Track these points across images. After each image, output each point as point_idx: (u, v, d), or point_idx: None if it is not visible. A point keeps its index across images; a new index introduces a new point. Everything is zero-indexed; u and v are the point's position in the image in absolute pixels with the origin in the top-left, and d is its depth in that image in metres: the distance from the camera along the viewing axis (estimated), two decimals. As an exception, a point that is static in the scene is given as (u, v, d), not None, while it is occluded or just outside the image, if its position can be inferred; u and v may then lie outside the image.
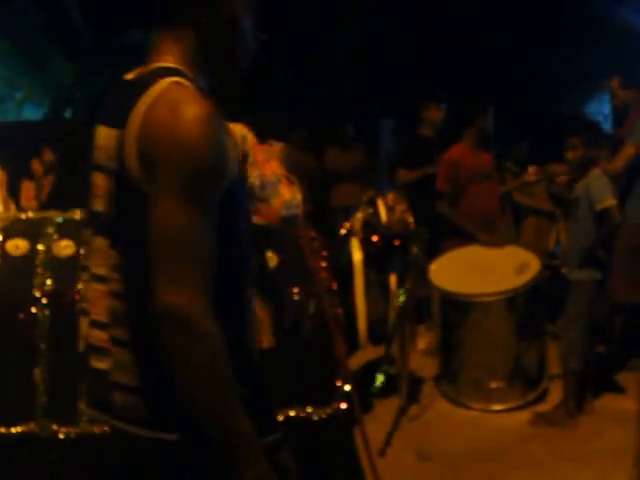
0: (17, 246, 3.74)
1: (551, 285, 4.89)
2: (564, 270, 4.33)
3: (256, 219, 2.54)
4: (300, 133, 7.39)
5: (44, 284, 3.63)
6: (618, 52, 10.01)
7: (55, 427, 3.51)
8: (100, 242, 1.65)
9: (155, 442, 1.57)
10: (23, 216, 3.93)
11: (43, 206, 7.99)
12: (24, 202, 8.37)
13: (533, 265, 4.40)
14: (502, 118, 5.33)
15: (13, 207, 7.76)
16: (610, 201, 4.08)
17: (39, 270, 3.67)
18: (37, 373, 3.53)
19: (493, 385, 4.48)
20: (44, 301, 3.59)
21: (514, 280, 4.29)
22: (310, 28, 10.75)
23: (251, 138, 2.57)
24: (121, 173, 1.54)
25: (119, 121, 1.54)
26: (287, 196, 2.56)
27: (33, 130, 10.64)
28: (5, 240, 3.75)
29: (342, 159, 6.83)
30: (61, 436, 3.51)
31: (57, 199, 8.24)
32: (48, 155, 8.63)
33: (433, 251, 5.01)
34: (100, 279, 1.65)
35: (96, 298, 1.66)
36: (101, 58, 12.64)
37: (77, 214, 4.01)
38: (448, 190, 5.00)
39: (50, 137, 9.76)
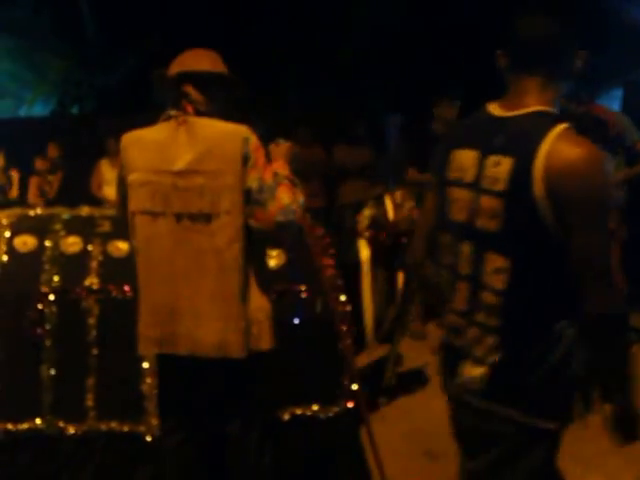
0: (25, 242, 3.74)
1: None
2: None
3: (251, 222, 2.50)
4: (305, 130, 7.39)
5: (51, 280, 3.63)
6: (626, 47, 9.98)
7: (62, 424, 3.51)
8: (467, 248, 2.09)
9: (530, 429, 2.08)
10: (31, 212, 3.91)
11: (51, 203, 8.00)
12: (31, 199, 8.38)
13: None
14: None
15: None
16: None
17: (46, 266, 3.67)
18: (43, 370, 3.53)
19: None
20: (51, 297, 3.59)
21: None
22: (319, 23, 10.72)
23: (254, 140, 2.52)
24: (514, 194, 1.92)
25: (514, 151, 1.93)
26: (285, 200, 2.49)
27: (41, 127, 10.65)
28: (13, 236, 3.74)
29: (350, 156, 6.81)
30: (67, 433, 3.50)
31: (65, 195, 8.27)
32: (53, 152, 8.64)
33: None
34: (466, 278, 2.10)
35: (459, 291, 2.12)
36: (106, 55, 12.66)
37: (84, 210, 4.01)
38: None
39: (57, 133, 9.81)
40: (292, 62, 10.97)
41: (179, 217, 2.49)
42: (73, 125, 10.73)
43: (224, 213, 2.46)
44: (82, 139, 9.96)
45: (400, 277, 4.29)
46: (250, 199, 2.48)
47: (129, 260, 3.75)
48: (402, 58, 10.01)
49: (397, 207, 4.15)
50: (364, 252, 4.17)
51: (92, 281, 3.64)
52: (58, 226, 3.84)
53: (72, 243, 3.79)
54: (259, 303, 2.59)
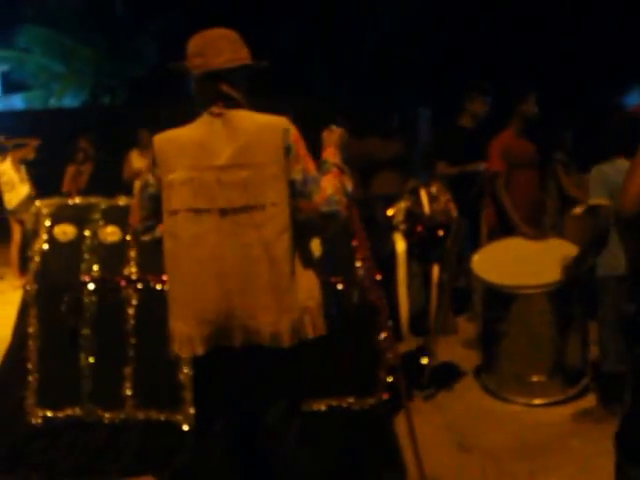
0: (64, 232, 3.78)
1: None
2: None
3: (297, 214, 2.48)
4: (341, 121, 7.34)
5: (90, 270, 3.67)
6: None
7: (100, 412, 3.55)
8: None
9: None
10: (69, 202, 3.95)
11: (82, 192, 8.08)
12: (66, 187, 8.48)
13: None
14: (544, 106, 5.25)
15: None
16: (597, 200, 3.81)
17: (86, 256, 3.71)
18: (82, 358, 3.57)
19: (535, 379, 4.42)
20: (90, 287, 3.63)
21: (558, 273, 4.23)
22: (349, 14, 10.70)
23: (294, 131, 2.46)
24: None
25: None
26: (329, 190, 2.47)
27: (73, 117, 10.75)
28: (53, 225, 3.79)
29: (382, 148, 6.78)
30: (105, 421, 3.55)
31: (96, 185, 8.35)
32: (84, 143, 8.73)
33: (473, 242, 4.94)
34: None
35: None
36: (139, 47, 12.71)
37: (122, 200, 4.05)
38: (503, 170, 4.96)
39: (88, 125, 9.89)
40: (321, 52, 10.95)
41: (224, 212, 2.44)
42: (104, 116, 10.79)
43: (270, 205, 2.43)
44: (114, 130, 10.03)
45: (435, 270, 4.28)
46: (295, 191, 2.46)
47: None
48: (434, 53, 9.96)
49: (433, 200, 4.13)
50: (399, 245, 4.16)
51: (131, 270, 3.67)
52: (97, 216, 3.88)
53: (111, 232, 3.82)
54: (309, 291, 2.56)
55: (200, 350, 2.52)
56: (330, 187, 2.49)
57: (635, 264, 2.84)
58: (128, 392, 3.57)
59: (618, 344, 3.94)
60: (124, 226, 3.85)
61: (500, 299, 4.39)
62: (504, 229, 4.91)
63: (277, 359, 2.56)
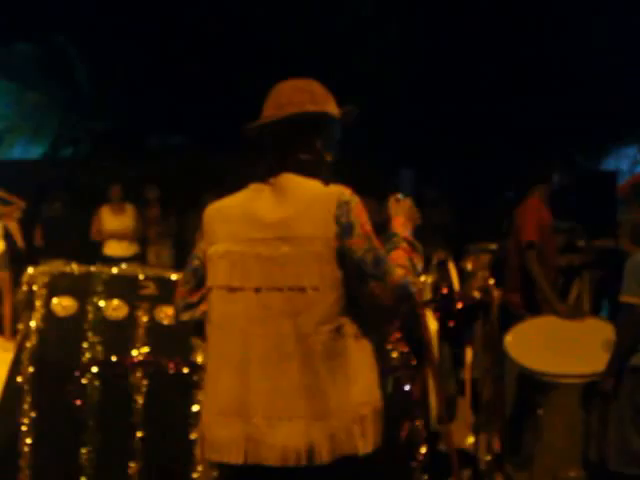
0: (63, 305, 3.32)
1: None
2: None
3: (370, 299, 2.09)
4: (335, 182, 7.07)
5: (94, 350, 3.21)
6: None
7: (100, 516, 3.05)
8: None
9: None
10: (67, 269, 3.49)
11: (49, 248, 7.62)
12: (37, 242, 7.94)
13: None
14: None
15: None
16: (631, 298, 3.55)
17: (88, 334, 3.25)
18: (83, 453, 3.09)
19: (571, 474, 4.08)
20: (94, 370, 3.16)
21: (603, 359, 3.92)
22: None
23: (356, 203, 2.11)
24: None
25: None
26: (402, 271, 2.10)
27: (35, 169, 10.28)
28: (50, 298, 3.32)
29: (379, 211, 6.51)
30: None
31: (57, 244, 7.85)
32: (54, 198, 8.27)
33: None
34: None
35: None
36: (103, 97, 12.41)
37: (126, 270, 3.62)
38: (538, 240, 4.65)
39: (52, 177, 9.46)
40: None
41: (258, 292, 2.09)
42: (68, 169, 10.37)
43: (311, 289, 2.05)
44: (79, 184, 9.61)
45: (469, 353, 3.91)
46: (364, 273, 2.07)
47: (180, 329, 3.40)
48: (417, 115, 9.87)
49: (469, 276, 3.79)
50: (431, 324, 3.80)
51: (140, 352, 3.22)
52: (99, 287, 3.43)
53: (116, 307, 3.37)
54: (366, 394, 2.11)
55: (219, 458, 2.09)
56: (402, 267, 2.12)
57: None
58: (134, 494, 3.08)
59: (631, 442, 3.60)
60: (130, 300, 3.42)
61: (537, 386, 4.03)
62: (530, 307, 4.59)
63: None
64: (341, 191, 2.11)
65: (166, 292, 3.56)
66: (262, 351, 2.07)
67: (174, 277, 3.72)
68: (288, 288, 2.06)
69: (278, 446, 2.01)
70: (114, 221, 7.78)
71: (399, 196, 2.43)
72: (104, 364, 3.18)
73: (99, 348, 3.22)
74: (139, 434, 3.14)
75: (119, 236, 7.65)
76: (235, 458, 2.05)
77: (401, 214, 2.36)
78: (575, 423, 4.08)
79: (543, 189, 4.80)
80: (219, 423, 2.08)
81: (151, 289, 3.54)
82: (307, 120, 2.18)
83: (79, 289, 3.40)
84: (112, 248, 7.68)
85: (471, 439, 4.06)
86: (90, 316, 3.31)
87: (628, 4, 10.53)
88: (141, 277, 3.60)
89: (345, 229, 2.07)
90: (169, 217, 8.41)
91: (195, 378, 3.22)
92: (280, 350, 2.05)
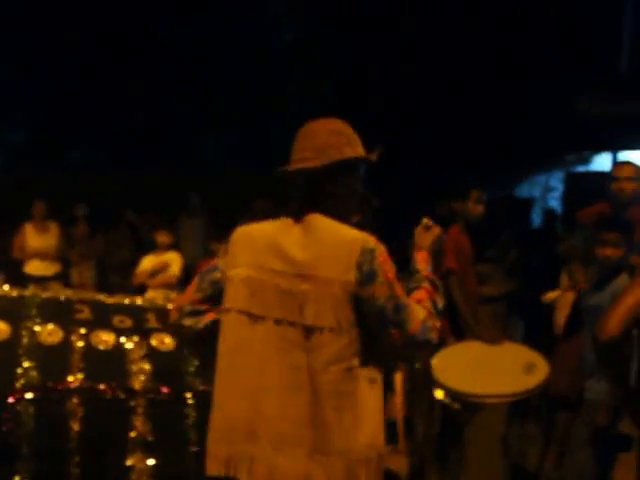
0: (-4, 330, 3.25)
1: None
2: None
3: (389, 344, 2.18)
4: (262, 203, 6.98)
5: (28, 376, 3.15)
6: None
7: None
8: None
9: None
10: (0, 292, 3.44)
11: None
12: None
13: (540, 365, 4.22)
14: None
15: None
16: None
17: (22, 359, 3.19)
18: (17, 483, 3.02)
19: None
20: (28, 396, 3.11)
21: (524, 380, 4.10)
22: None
23: (381, 251, 2.17)
24: None
25: None
26: (421, 315, 2.16)
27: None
28: (-20, 323, 3.26)
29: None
30: None
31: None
32: None
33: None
34: None
35: None
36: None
37: (60, 293, 3.58)
38: (457, 267, 4.76)
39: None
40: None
41: (279, 323, 2.16)
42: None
43: (327, 329, 2.13)
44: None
45: (399, 378, 4.04)
46: (385, 319, 2.14)
47: (116, 354, 3.39)
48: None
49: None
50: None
51: (76, 377, 3.19)
52: (33, 311, 3.38)
53: (51, 332, 3.33)
54: (373, 438, 2.16)
55: (220, 471, 2.15)
56: (422, 311, 2.18)
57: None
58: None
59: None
60: (65, 325, 3.38)
61: (463, 406, 4.18)
62: (455, 332, 4.73)
63: None
64: (366, 239, 2.17)
65: (101, 316, 3.56)
66: (276, 379, 2.14)
67: (109, 301, 3.73)
68: (304, 325, 2.13)
69: (279, 469, 2.10)
70: (37, 239, 7.57)
71: (428, 222, 2.42)
72: (39, 390, 3.13)
73: (34, 373, 3.16)
74: (75, 460, 3.10)
75: (42, 255, 7.46)
76: (237, 474, 2.13)
77: (426, 247, 2.39)
78: (498, 439, 4.24)
79: (459, 218, 4.93)
80: (226, 440, 2.16)
81: (86, 313, 3.52)
82: (344, 164, 2.24)
83: (13, 313, 3.35)
84: (34, 267, 7.47)
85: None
86: (24, 341, 3.25)
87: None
88: (75, 300, 3.58)
89: (367, 276, 2.13)
90: (96, 235, 8.26)
91: (132, 404, 3.23)
92: (293, 381, 2.13)
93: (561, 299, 5.82)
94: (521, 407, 4.26)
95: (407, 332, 2.12)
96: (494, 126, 10.87)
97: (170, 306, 3.64)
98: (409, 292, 2.24)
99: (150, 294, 5.76)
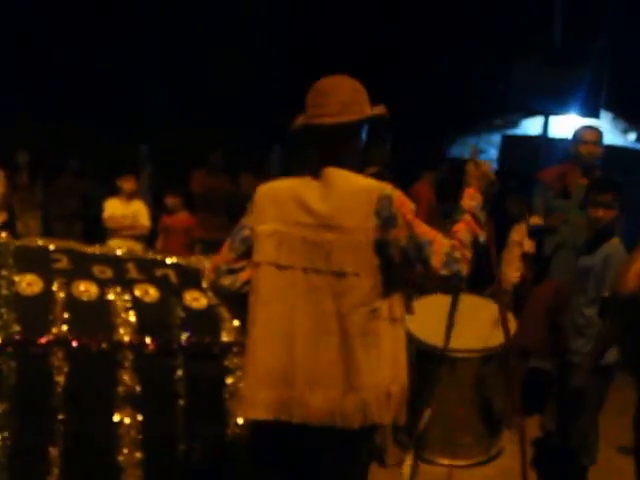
0: (-29, 280, 3.07)
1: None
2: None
3: (414, 279, 2.37)
4: (216, 155, 6.93)
5: (8, 328, 3.00)
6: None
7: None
8: None
9: None
10: (-28, 242, 3.24)
11: None
12: None
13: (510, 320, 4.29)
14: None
15: None
16: None
17: (2, 311, 3.03)
18: (-1, 439, 2.89)
19: (461, 441, 4.32)
20: (9, 350, 2.96)
21: (492, 335, 4.16)
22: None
23: (398, 196, 2.31)
24: None
25: None
26: (445, 249, 2.28)
27: None
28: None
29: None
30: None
31: None
32: None
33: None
34: None
35: None
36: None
37: (38, 241, 3.42)
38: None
39: None
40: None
41: (306, 272, 2.31)
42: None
43: (352, 274, 2.27)
44: None
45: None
46: (410, 258, 2.28)
47: (99, 305, 3.25)
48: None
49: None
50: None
51: (60, 330, 3.05)
52: (9, 260, 3.21)
53: (30, 282, 3.17)
54: (395, 374, 2.33)
55: (265, 416, 2.30)
56: (447, 244, 2.30)
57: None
58: (55, 479, 2.93)
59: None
60: (46, 274, 3.23)
61: (433, 359, 4.20)
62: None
63: (344, 444, 2.32)
64: (382, 187, 2.32)
65: (80, 266, 3.40)
66: (307, 326, 2.29)
67: (87, 250, 3.58)
68: (331, 272, 2.28)
69: (316, 408, 2.26)
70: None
71: (478, 159, 2.51)
72: (20, 344, 2.98)
73: (14, 326, 3.01)
74: (60, 417, 2.99)
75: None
76: (276, 416, 2.29)
77: (474, 184, 2.50)
78: (470, 394, 4.33)
79: (433, 175, 5.03)
80: (263, 385, 2.31)
81: (64, 263, 3.36)
82: (368, 120, 2.40)
83: (-13, 263, 3.17)
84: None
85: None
86: (3, 292, 3.09)
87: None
88: (51, 249, 3.42)
89: (387, 221, 2.28)
90: (36, 185, 7.94)
91: (119, 357, 3.11)
92: (323, 326, 2.28)
93: (508, 254, 6.00)
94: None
95: (431, 267, 2.26)
96: (431, 92, 10.94)
97: (190, 264, 3.64)
98: (452, 224, 2.39)
99: (115, 242, 5.62)
